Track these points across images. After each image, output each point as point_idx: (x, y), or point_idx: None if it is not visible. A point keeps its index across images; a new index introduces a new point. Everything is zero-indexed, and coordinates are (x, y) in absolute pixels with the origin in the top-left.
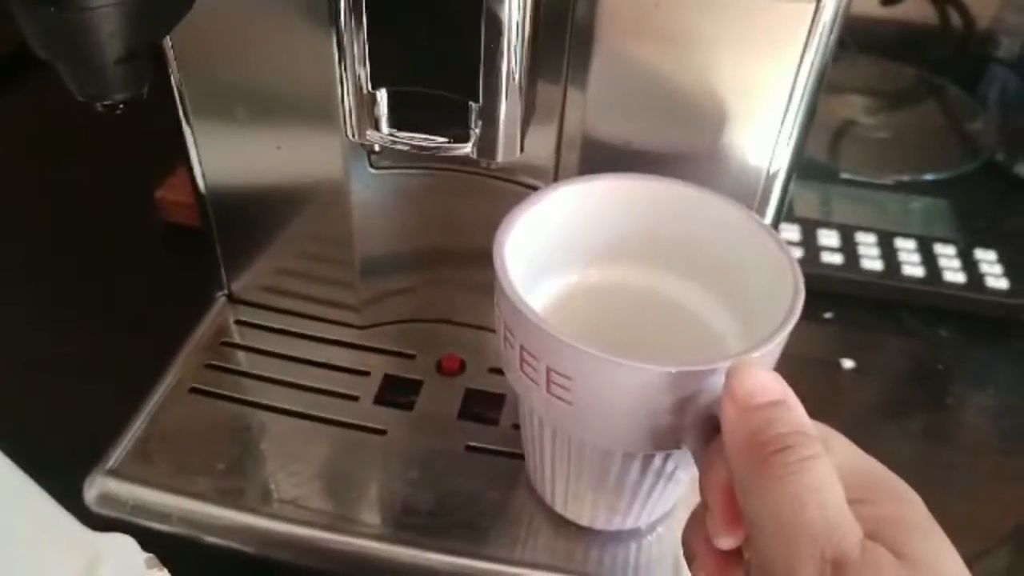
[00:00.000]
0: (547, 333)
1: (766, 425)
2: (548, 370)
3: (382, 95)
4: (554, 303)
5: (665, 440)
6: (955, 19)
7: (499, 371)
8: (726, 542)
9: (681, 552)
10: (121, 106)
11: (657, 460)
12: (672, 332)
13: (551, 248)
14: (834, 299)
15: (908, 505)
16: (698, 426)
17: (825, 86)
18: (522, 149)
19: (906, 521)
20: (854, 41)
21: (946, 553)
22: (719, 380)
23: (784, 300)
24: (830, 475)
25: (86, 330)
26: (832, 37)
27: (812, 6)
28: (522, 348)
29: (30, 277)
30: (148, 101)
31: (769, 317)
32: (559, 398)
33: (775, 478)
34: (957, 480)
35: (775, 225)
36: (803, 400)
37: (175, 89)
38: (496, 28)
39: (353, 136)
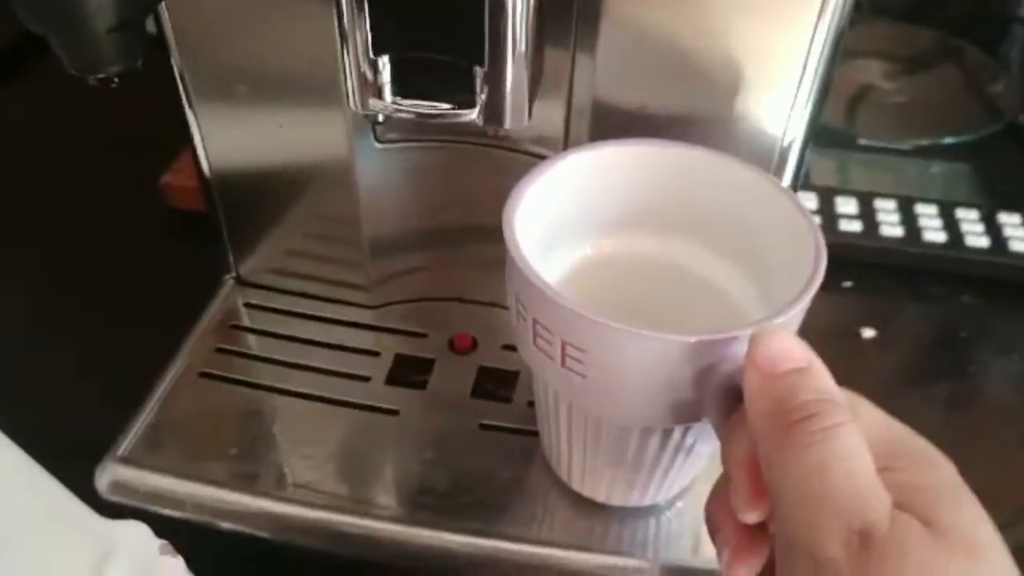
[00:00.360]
0: (560, 305)
1: (791, 392)
2: (563, 343)
3: (384, 62)
4: (567, 275)
5: (685, 413)
6: None
7: (512, 348)
8: (750, 516)
9: (702, 528)
10: (115, 80)
11: (676, 434)
12: (689, 301)
13: (562, 219)
14: (853, 267)
15: (939, 471)
16: (719, 397)
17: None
18: (530, 116)
19: (936, 488)
20: (869, 4)
21: (978, 520)
22: (740, 349)
23: (805, 264)
24: (858, 443)
25: (93, 317)
26: (849, 1)
27: None
28: (535, 321)
29: (36, 265)
30: (150, 85)
31: (790, 283)
32: (574, 372)
33: (800, 447)
34: (983, 449)
35: (793, 191)
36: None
37: (176, 72)
38: None
39: (356, 106)
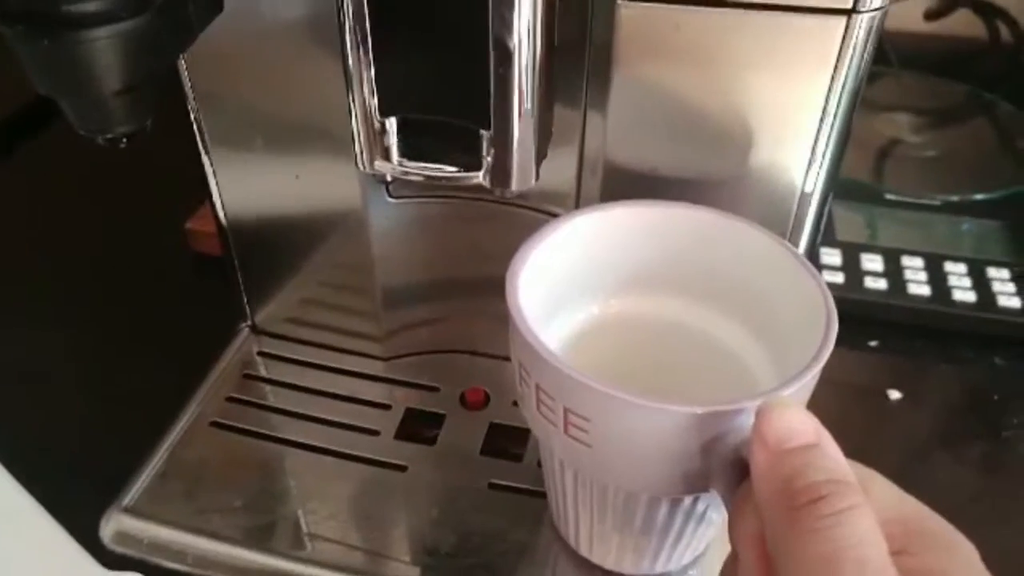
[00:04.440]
0: (563, 373)
1: (799, 472)
2: (565, 411)
3: (391, 124)
4: (574, 337)
5: (692, 483)
6: (1005, 33)
7: None
8: None
9: None
10: (124, 140)
11: (686, 502)
12: (699, 366)
13: (569, 279)
14: (879, 326)
15: (957, 554)
16: (726, 468)
17: (868, 104)
18: (537, 177)
19: (953, 574)
20: (898, 57)
21: None
22: (748, 420)
23: (817, 331)
24: (870, 527)
25: (112, 361)
26: (867, 53)
27: (843, 22)
28: (538, 387)
29: (60, 306)
30: (178, 134)
31: (802, 349)
32: (578, 440)
33: (809, 531)
34: (1018, 519)
35: (812, 250)
36: (848, 433)
37: (193, 122)
38: (505, 52)
39: (364, 167)
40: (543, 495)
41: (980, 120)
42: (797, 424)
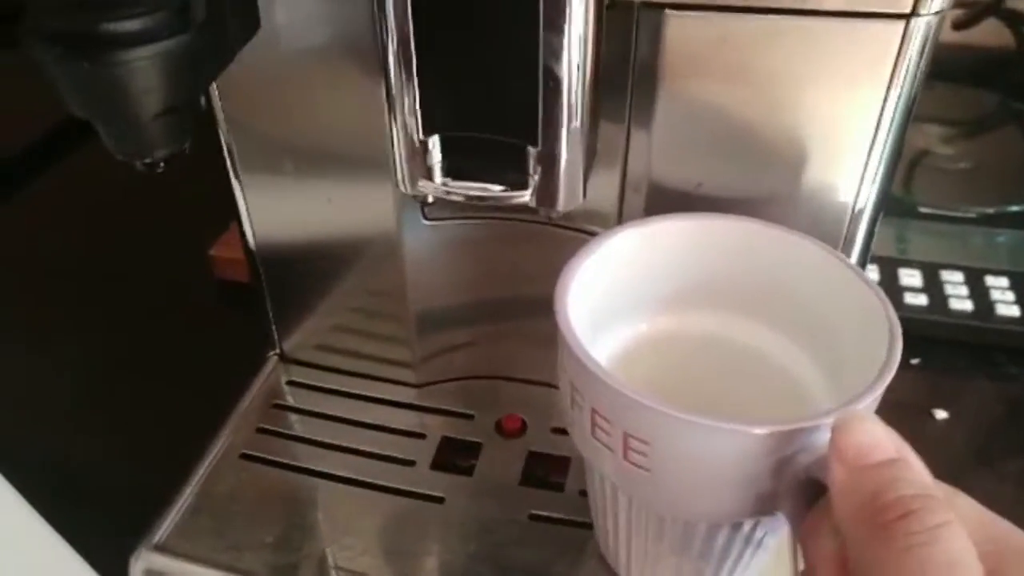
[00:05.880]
0: (624, 395)
1: (885, 487)
2: (624, 435)
3: (434, 142)
4: (621, 356)
5: (756, 507)
6: None
7: (563, 431)
8: None
9: None
10: (162, 164)
11: (745, 527)
12: (752, 384)
13: (615, 296)
14: (921, 344)
15: None
16: (796, 490)
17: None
18: (584, 196)
19: None
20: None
21: None
22: (819, 438)
23: (878, 346)
24: (964, 545)
25: (139, 391)
26: (923, 62)
27: (901, 27)
28: (593, 411)
29: (85, 337)
30: (201, 160)
31: (860, 365)
32: (637, 465)
33: (900, 550)
34: None
35: (861, 267)
36: None
37: (224, 146)
38: (556, 67)
39: (405, 188)
40: (588, 525)
41: (1012, 130)
42: (878, 438)
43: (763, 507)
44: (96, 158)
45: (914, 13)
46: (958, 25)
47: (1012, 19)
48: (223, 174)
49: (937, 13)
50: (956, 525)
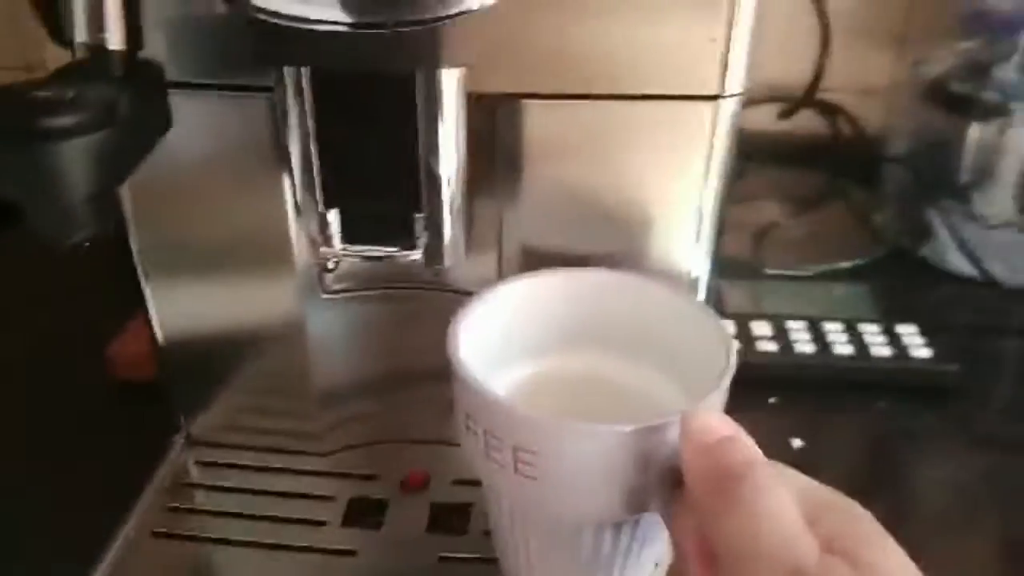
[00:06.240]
0: (510, 411)
1: (722, 457)
2: (514, 449)
3: (334, 214)
4: (513, 393)
5: (633, 504)
6: (845, 127)
7: (464, 482)
8: None
9: None
10: (87, 243)
11: (627, 527)
12: (623, 409)
13: (503, 342)
14: (775, 384)
15: (860, 521)
16: (662, 482)
17: (740, 195)
18: (467, 253)
19: (858, 535)
20: (759, 154)
21: (903, 566)
22: (675, 434)
23: (719, 358)
24: (786, 499)
25: (40, 493)
26: (733, 138)
27: (711, 108)
28: (486, 432)
29: None
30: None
31: (711, 376)
32: (526, 476)
33: (735, 503)
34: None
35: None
36: None
37: (133, 246)
38: (432, 149)
39: (309, 256)
40: (493, 561)
41: (837, 202)
42: (716, 422)
43: (638, 504)
44: None
45: (719, 96)
46: (781, 115)
47: (824, 109)
48: (118, 274)
49: (738, 94)
50: (782, 486)
